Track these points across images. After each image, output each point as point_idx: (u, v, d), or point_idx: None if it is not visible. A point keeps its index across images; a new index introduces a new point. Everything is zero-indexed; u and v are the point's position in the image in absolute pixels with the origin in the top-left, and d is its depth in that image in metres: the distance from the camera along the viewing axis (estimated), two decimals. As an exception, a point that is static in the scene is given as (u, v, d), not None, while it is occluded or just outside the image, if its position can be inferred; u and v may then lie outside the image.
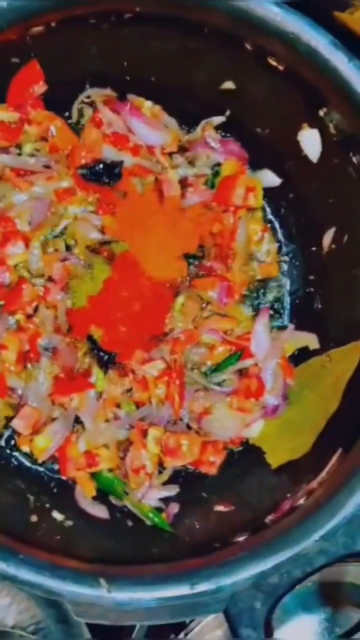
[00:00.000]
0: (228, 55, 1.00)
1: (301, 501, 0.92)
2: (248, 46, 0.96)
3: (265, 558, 0.85)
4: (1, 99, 1.07)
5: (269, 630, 0.85)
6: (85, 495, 1.08)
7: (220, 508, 1.05)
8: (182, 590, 0.84)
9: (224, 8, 0.90)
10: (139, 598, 0.84)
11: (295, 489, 0.97)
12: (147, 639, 1.07)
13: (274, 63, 0.96)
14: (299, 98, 1.00)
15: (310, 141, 1.04)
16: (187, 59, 1.04)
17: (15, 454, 1.11)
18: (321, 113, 0.98)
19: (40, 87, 1.06)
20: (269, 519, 0.95)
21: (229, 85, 1.06)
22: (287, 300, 1.18)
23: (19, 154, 1.11)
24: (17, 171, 1.11)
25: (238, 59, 1.00)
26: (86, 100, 1.12)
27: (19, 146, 1.11)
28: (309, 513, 0.88)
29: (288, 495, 0.97)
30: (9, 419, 1.10)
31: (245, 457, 1.12)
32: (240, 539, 0.92)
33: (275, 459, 1.06)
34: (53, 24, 0.95)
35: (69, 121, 1.13)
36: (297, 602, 0.98)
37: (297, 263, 1.17)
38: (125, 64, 1.07)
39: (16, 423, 1.09)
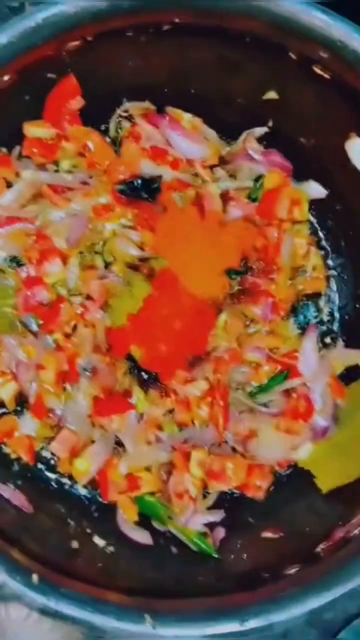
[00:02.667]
0: (270, 64, 0.97)
1: (356, 531, 0.88)
2: (292, 55, 0.93)
3: (319, 593, 0.81)
4: (38, 115, 1.05)
5: (323, 669, 0.80)
6: (127, 520, 1.05)
7: (268, 534, 1.01)
8: (231, 626, 0.80)
9: (266, 16, 0.88)
10: (186, 634, 0.80)
11: (348, 516, 0.93)
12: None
13: (320, 72, 0.93)
14: (347, 106, 0.96)
15: (358, 151, 1.00)
16: (227, 69, 1.01)
17: (55, 476, 1.09)
18: (370, 122, 0.95)
19: (77, 102, 1.04)
20: (320, 547, 0.91)
21: (271, 95, 1.03)
22: (336, 316, 1.14)
23: (57, 171, 1.10)
24: (55, 188, 1.09)
25: (281, 68, 0.97)
26: (124, 114, 1.10)
27: (56, 163, 1.10)
28: (364, 545, 0.84)
29: (340, 522, 0.93)
30: (48, 440, 1.08)
31: (293, 481, 1.08)
32: (292, 571, 0.88)
33: (325, 484, 1.02)
34: (90, 38, 0.93)
35: (107, 136, 1.11)
36: (352, 636, 0.93)
37: (346, 277, 1.13)
38: (163, 76, 1.04)
39: (54, 446, 1.07)
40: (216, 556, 1.01)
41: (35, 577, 0.83)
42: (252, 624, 0.80)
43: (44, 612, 0.81)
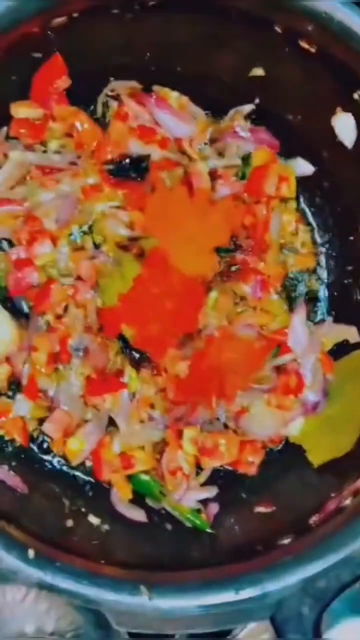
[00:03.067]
0: (257, 40, 0.97)
1: (347, 501, 0.89)
2: (278, 29, 0.93)
3: (312, 562, 0.82)
4: (25, 96, 1.04)
5: (317, 636, 0.81)
6: (121, 499, 1.05)
7: (261, 509, 1.02)
8: (226, 596, 0.81)
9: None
10: (182, 606, 0.81)
11: (340, 489, 0.94)
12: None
13: (306, 45, 0.93)
14: (333, 81, 0.96)
15: (344, 126, 1.01)
16: (213, 46, 1.01)
17: (49, 457, 1.09)
18: (356, 96, 0.95)
19: (64, 82, 1.04)
20: (313, 520, 0.92)
21: (258, 71, 1.03)
22: (324, 292, 1.15)
23: (44, 152, 1.09)
24: (43, 169, 1.09)
25: (267, 43, 0.97)
26: (111, 93, 1.10)
27: (44, 144, 1.09)
28: (356, 514, 0.85)
29: (332, 495, 0.94)
30: (41, 421, 1.08)
31: (285, 456, 1.09)
32: (285, 541, 0.89)
33: (317, 458, 1.03)
34: (75, 15, 0.93)
35: (94, 116, 1.10)
36: (344, 605, 0.94)
37: (334, 254, 1.14)
38: (150, 54, 1.04)
39: (47, 427, 1.07)
40: (210, 531, 1.01)
41: (31, 552, 0.83)
42: (247, 593, 0.81)
43: (42, 586, 0.81)
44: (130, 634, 1.03)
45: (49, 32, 0.95)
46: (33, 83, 1.03)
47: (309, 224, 1.14)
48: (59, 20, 0.93)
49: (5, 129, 1.07)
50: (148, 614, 0.81)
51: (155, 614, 0.81)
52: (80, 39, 0.99)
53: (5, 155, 1.07)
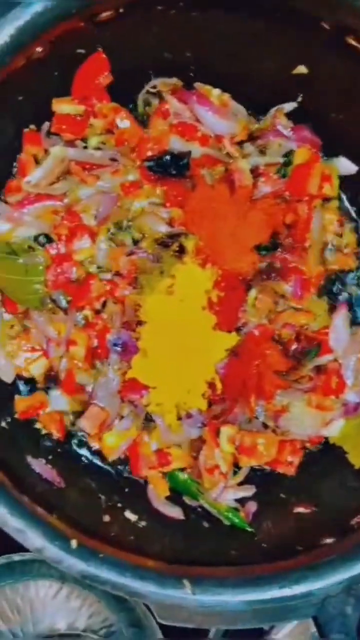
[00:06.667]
0: (302, 37, 0.97)
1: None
2: (325, 25, 0.92)
3: (358, 561, 0.80)
4: (67, 92, 1.05)
5: (360, 638, 0.80)
6: (158, 495, 1.05)
7: (300, 510, 1.01)
8: (271, 593, 0.80)
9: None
10: (225, 600, 0.80)
11: (382, 490, 0.93)
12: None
13: (353, 42, 0.92)
14: (378, 80, 0.95)
15: (389, 125, 1.00)
16: (257, 43, 1.01)
17: (85, 452, 1.09)
18: None
19: (106, 78, 1.04)
20: (355, 521, 0.91)
21: (301, 69, 1.03)
22: (366, 292, 1.14)
23: (85, 147, 1.09)
24: (83, 165, 1.09)
25: (313, 40, 0.96)
26: (152, 90, 1.09)
27: (84, 139, 1.09)
28: None
29: (375, 496, 0.93)
30: (78, 415, 1.08)
31: (325, 457, 1.08)
32: (327, 541, 0.88)
33: (358, 459, 1.02)
34: (121, 10, 0.93)
35: (135, 112, 1.10)
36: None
37: (377, 254, 1.12)
38: (192, 51, 1.04)
39: (82, 423, 1.07)
40: (250, 530, 1.01)
41: (74, 543, 0.83)
42: (292, 590, 0.80)
43: (85, 577, 0.81)
44: (164, 634, 1.02)
45: (93, 27, 0.95)
46: (75, 79, 1.04)
47: (352, 223, 1.13)
48: (104, 15, 0.93)
49: (47, 124, 1.07)
50: (191, 608, 0.81)
51: (197, 608, 0.80)
52: (123, 35, 0.99)
53: (46, 151, 1.08)
